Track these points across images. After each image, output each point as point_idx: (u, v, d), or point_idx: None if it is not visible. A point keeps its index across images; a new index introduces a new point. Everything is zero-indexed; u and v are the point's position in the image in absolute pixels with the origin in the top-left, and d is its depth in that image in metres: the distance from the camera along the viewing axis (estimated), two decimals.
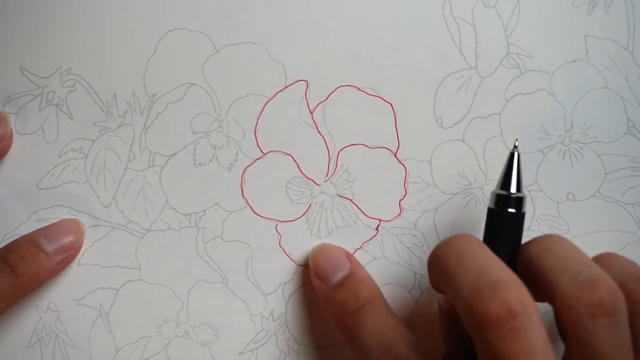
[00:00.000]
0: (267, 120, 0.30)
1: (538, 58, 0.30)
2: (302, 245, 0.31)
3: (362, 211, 0.31)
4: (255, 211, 0.30)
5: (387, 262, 0.31)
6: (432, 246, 0.31)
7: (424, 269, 0.31)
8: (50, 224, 0.30)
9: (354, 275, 0.29)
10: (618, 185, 0.31)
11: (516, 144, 0.27)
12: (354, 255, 0.30)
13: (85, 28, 0.29)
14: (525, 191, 0.26)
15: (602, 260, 0.26)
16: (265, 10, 0.29)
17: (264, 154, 0.30)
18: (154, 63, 0.29)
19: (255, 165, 0.30)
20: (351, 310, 0.27)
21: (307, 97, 0.30)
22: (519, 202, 0.26)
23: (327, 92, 0.30)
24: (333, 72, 0.30)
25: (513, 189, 0.26)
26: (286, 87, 0.30)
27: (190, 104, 0.30)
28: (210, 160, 0.30)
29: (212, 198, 0.30)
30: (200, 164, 0.30)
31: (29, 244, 0.28)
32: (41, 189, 0.30)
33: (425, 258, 0.31)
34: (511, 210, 0.26)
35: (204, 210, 0.30)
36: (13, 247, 0.28)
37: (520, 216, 0.26)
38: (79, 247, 0.30)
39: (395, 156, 0.30)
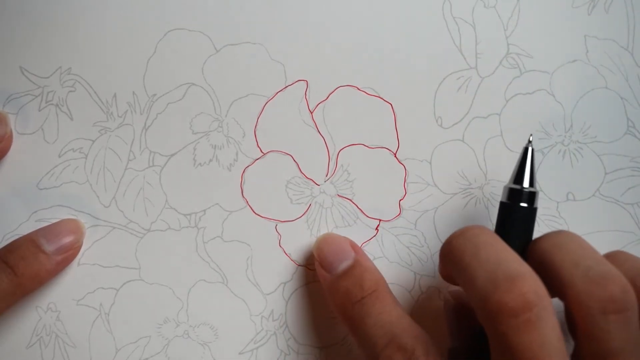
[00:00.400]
0: (267, 120, 0.30)
1: (538, 58, 0.30)
2: (302, 245, 0.31)
3: (362, 211, 0.31)
4: (255, 211, 0.30)
5: (387, 262, 0.31)
6: (432, 246, 0.31)
7: (424, 269, 0.31)
8: (50, 224, 0.30)
9: (359, 265, 0.28)
10: (618, 185, 0.31)
11: (530, 139, 0.27)
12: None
13: (85, 28, 0.29)
14: (537, 186, 0.26)
15: (612, 257, 0.26)
16: (265, 10, 0.29)
17: (264, 154, 0.30)
18: (154, 63, 0.29)
19: (255, 165, 0.30)
20: (356, 300, 0.27)
21: (307, 97, 0.30)
22: (531, 196, 0.26)
23: (327, 92, 0.30)
24: (333, 72, 0.30)
25: (526, 184, 0.26)
26: (286, 87, 0.30)
27: (190, 104, 0.30)
28: (210, 160, 0.30)
29: (212, 198, 0.30)
30: (200, 164, 0.30)
31: (29, 244, 0.28)
32: (41, 189, 0.30)
33: (425, 258, 0.31)
34: (523, 204, 0.26)
35: (204, 210, 0.30)
36: (13, 247, 0.28)
37: (532, 211, 0.26)
38: (79, 247, 0.30)
39: (395, 156, 0.30)
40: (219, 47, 0.29)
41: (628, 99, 0.31)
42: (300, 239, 0.31)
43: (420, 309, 0.31)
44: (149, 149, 0.30)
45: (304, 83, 0.30)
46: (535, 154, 0.31)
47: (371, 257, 0.31)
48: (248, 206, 0.30)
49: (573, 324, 0.24)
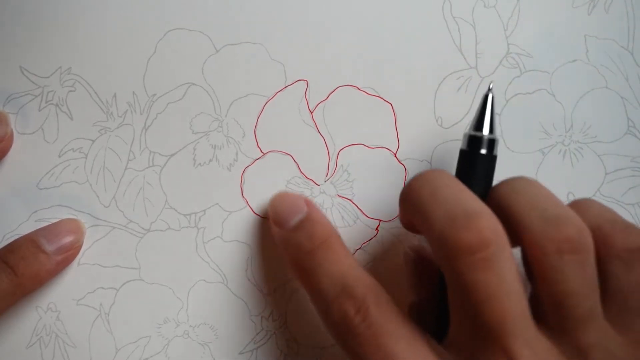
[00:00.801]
0: (267, 120, 0.30)
1: (538, 58, 0.30)
2: None
3: (362, 211, 0.31)
4: (255, 211, 0.30)
5: (387, 263, 0.31)
6: None
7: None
8: (50, 224, 0.30)
9: (310, 217, 0.28)
10: (618, 185, 0.31)
11: (490, 87, 0.27)
12: (354, 255, 0.30)
13: (85, 28, 0.29)
14: (497, 134, 0.26)
15: (578, 204, 0.25)
16: (265, 10, 0.29)
17: (264, 154, 0.30)
18: (154, 63, 0.29)
19: (255, 165, 0.30)
20: (306, 251, 0.27)
21: (307, 97, 0.30)
22: (490, 143, 0.26)
23: (327, 92, 0.30)
24: (333, 72, 0.30)
25: (485, 131, 0.26)
26: (286, 87, 0.30)
27: (190, 104, 0.30)
28: (210, 160, 0.30)
29: (212, 198, 0.30)
30: (200, 164, 0.30)
31: (29, 244, 0.28)
32: (41, 189, 0.30)
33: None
34: (483, 151, 0.26)
35: (204, 210, 0.30)
36: (13, 247, 0.28)
37: (492, 158, 0.26)
38: (79, 247, 0.30)
39: (395, 156, 0.30)
40: (219, 47, 0.29)
41: (628, 98, 0.31)
42: None
43: (398, 281, 0.31)
44: (148, 149, 0.30)
45: (304, 83, 0.30)
46: (536, 154, 0.31)
47: (371, 258, 0.31)
48: (248, 206, 0.30)
49: (530, 266, 0.24)
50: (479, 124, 0.26)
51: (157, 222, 0.30)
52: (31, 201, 0.30)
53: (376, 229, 0.31)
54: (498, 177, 0.30)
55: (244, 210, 0.30)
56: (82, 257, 0.30)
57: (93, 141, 0.30)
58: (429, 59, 0.30)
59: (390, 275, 0.31)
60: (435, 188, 0.24)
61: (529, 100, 0.30)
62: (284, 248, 0.28)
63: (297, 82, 0.30)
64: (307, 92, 0.30)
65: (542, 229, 0.23)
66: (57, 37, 0.29)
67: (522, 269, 0.25)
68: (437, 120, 0.30)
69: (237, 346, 0.31)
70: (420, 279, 0.28)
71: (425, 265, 0.28)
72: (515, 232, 0.24)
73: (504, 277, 0.22)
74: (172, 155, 0.30)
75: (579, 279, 0.23)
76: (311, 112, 0.30)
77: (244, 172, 0.30)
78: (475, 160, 0.26)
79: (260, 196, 0.30)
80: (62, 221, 0.30)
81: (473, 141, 0.26)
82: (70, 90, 0.29)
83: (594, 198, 0.31)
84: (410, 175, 0.30)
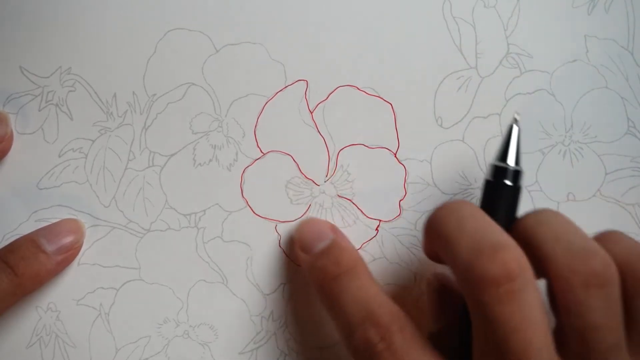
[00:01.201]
0: (267, 120, 0.30)
1: (538, 58, 0.30)
2: None
3: (362, 211, 0.31)
4: (255, 211, 0.30)
5: (387, 263, 0.31)
6: None
7: (424, 270, 0.31)
8: (50, 224, 0.30)
9: (336, 244, 0.28)
10: (618, 185, 0.31)
11: (516, 117, 0.27)
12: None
13: (85, 28, 0.29)
14: (523, 166, 0.26)
15: (605, 237, 0.25)
16: (265, 10, 0.29)
17: (264, 154, 0.30)
18: (154, 63, 0.29)
19: (255, 165, 0.30)
20: (332, 277, 0.27)
21: (307, 97, 0.30)
22: (515, 175, 0.26)
23: (327, 92, 0.30)
24: (333, 72, 0.30)
25: (511, 162, 0.26)
26: (286, 87, 0.30)
27: (190, 104, 0.30)
28: (210, 160, 0.30)
29: (212, 198, 0.30)
30: (200, 164, 0.30)
31: (29, 244, 0.28)
32: (41, 189, 0.30)
33: (425, 258, 0.31)
34: (508, 182, 0.26)
35: (204, 210, 0.30)
36: (13, 247, 0.28)
37: (516, 190, 0.26)
38: (79, 247, 0.30)
39: (395, 156, 0.30)
40: (219, 47, 0.29)
41: (628, 98, 0.31)
42: None
43: (420, 309, 0.31)
44: (148, 149, 0.30)
45: (304, 83, 0.30)
46: (536, 154, 0.31)
47: (371, 258, 0.31)
48: (248, 206, 0.30)
49: (555, 299, 0.24)
50: (504, 154, 0.26)
51: (157, 222, 0.30)
52: (31, 201, 0.30)
53: (376, 229, 0.31)
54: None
55: (244, 210, 0.30)
56: (82, 257, 0.30)
57: (93, 141, 0.30)
58: (429, 59, 0.30)
59: (391, 274, 0.31)
60: (460, 219, 0.24)
61: (529, 100, 0.30)
62: (309, 273, 0.28)
63: (297, 82, 0.30)
64: (307, 92, 0.30)
65: (568, 262, 0.23)
66: (57, 37, 0.29)
67: (546, 300, 0.25)
68: (437, 120, 0.30)
69: (237, 346, 0.31)
70: (442, 307, 0.28)
71: (447, 293, 0.28)
72: (541, 264, 0.24)
73: (528, 309, 0.22)
74: (172, 155, 0.30)
75: (604, 313, 0.23)
76: (311, 112, 0.30)
77: (244, 172, 0.30)
78: (500, 191, 0.26)
79: (260, 196, 0.30)
80: (62, 221, 0.30)
81: (498, 172, 0.26)
82: (70, 90, 0.29)
83: (595, 198, 0.31)
84: (410, 175, 0.30)
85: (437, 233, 0.24)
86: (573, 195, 0.31)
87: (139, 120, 0.30)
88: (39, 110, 0.29)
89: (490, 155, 0.30)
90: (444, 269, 0.29)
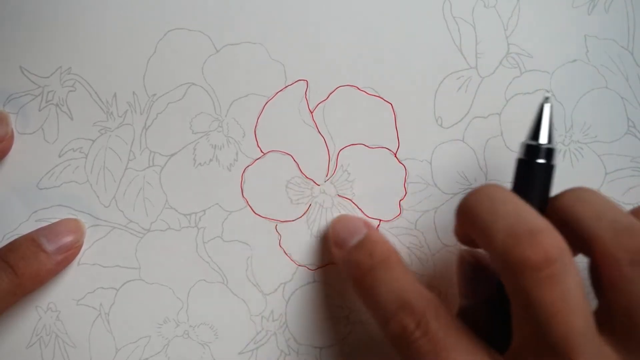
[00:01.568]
0: (267, 120, 0.30)
1: (538, 58, 0.30)
2: (302, 246, 0.31)
3: (362, 211, 0.31)
4: (255, 211, 0.30)
5: None
6: (432, 246, 0.31)
7: (424, 269, 0.31)
8: (50, 223, 0.30)
9: (369, 237, 0.28)
10: (618, 185, 0.31)
11: (547, 95, 0.26)
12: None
13: (85, 28, 0.29)
14: (555, 143, 0.26)
15: (638, 212, 0.25)
16: (265, 10, 0.29)
17: (264, 154, 0.30)
18: (154, 63, 0.29)
19: (255, 165, 0.30)
20: (367, 269, 0.27)
21: (307, 97, 0.30)
22: (549, 152, 0.26)
23: (327, 92, 0.30)
24: (333, 72, 0.30)
25: (543, 140, 0.26)
26: (286, 87, 0.30)
27: (190, 104, 0.30)
28: (210, 160, 0.30)
29: (212, 198, 0.30)
30: (200, 163, 0.30)
31: (29, 243, 0.28)
32: (41, 189, 0.30)
33: (426, 258, 0.31)
34: (540, 161, 0.26)
35: (204, 210, 0.30)
36: (13, 246, 0.28)
37: (549, 168, 0.26)
38: (79, 247, 0.30)
39: (395, 156, 0.30)
40: (219, 47, 0.29)
41: (628, 98, 0.31)
42: (301, 239, 0.31)
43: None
44: (149, 148, 0.30)
45: (304, 83, 0.30)
46: None
47: None
48: (248, 206, 0.30)
49: (599, 278, 0.24)
50: (535, 132, 0.26)
51: (157, 222, 0.30)
52: (31, 201, 0.30)
53: (376, 228, 0.31)
54: (496, 176, 0.31)
55: (244, 210, 0.30)
56: (82, 257, 0.30)
57: (93, 141, 0.30)
58: (429, 59, 0.30)
59: None
60: (494, 202, 0.24)
61: (529, 100, 0.30)
62: (344, 268, 0.28)
63: (297, 82, 0.30)
64: (307, 92, 0.30)
65: (614, 240, 0.23)
66: (57, 37, 0.29)
67: (587, 278, 0.25)
68: (437, 120, 0.30)
69: (237, 346, 0.31)
70: (473, 284, 0.28)
71: (480, 270, 0.28)
72: (582, 243, 0.24)
73: (569, 293, 0.22)
74: (172, 155, 0.30)
75: None
76: (311, 112, 0.30)
77: (244, 172, 0.30)
78: (533, 169, 0.26)
79: (261, 196, 0.30)
80: (62, 221, 0.30)
81: (530, 150, 0.26)
82: (71, 90, 0.29)
83: None
84: (410, 175, 0.30)
85: (470, 218, 0.24)
86: None
87: (139, 120, 0.30)
88: (39, 110, 0.29)
89: (489, 155, 0.30)
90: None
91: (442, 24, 0.30)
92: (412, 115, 0.30)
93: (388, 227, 0.31)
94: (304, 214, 0.30)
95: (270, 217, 0.30)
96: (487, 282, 0.27)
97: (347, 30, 0.30)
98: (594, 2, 0.30)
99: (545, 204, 0.26)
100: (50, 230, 0.29)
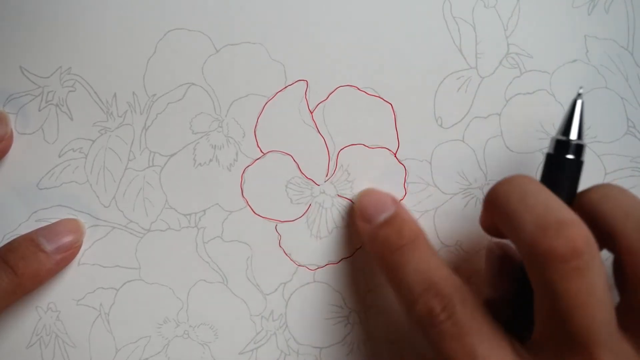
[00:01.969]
0: (267, 120, 0.30)
1: (538, 58, 0.30)
2: (302, 246, 0.31)
3: None
4: (255, 211, 0.30)
5: None
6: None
7: None
8: (50, 223, 0.30)
9: (399, 216, 0.28)
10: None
11: (580, 92, 0.27)
12: (354, 255, 0.30)
13: (85, 28, 0.29)
14: (585, 140, 0.26)
15: None
16: (265, 10, 0.29)
17: (264, 154, 0.30)
18: (154, 63, 0.29)
19: (255, 165, 0.30)
20: (395, 248, 0.27)
21: (307, 97, 0.30)
22: (578, 149, 0.26)
23: (327, 92, 0.30)
24: (333, 72, 0.30)
25: (573, 136, 0.26)
26: (286, 87, 0.30)
27: (190, 104, 0.30)
28: (210, 160, 0.30)
29: (212, 198, 0.30)
30: (200, 164, 0.30)
31: (28, 243, 0.28)
32: (41, 189, 0.30)
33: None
34: (570, 156, 0.26)
35: (204, 210, 0.30)
36: (13, 246, 0.28)
37: (578, 164, 0.26)
38: (79, 247, 0.30)
39: (395, 156, 0.30)
40: (219, 47, 0.29)
41: (628, 99, 0.31)
42: (300, 239, 0.31)
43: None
44: (149, 149, 0.30)
45: (304, 83, 0.30)
46: (536, 154, 0.31)
47: (371, 257, 0.31)
48: (248, 206, 0.30)
49: (622, 274, 0.24)
50: (566, 128, 0.26)
51: (157, 222, 0.30)
52: (31, 201, 0.30)
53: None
54: (496, 176, 0.31)
55: (244, 210, 0.30)
56: (82, 257, 0.30)
57: (93, 141, 0.30)
58: (429, 59, 0.30)
59: None
60: (523, 193, 0.24)
61: (529, 100, 0.30)
62: (370, 243, 0.28)
63: (297, 82, 0.30)
64: (307, 92, 0.30)
65: (639, 238, 0.23)
66: (57, 37, 0.29)
67: (610, 274, 0.25)
68: (437, 120, 0.30)
69: (237, 346, 0.31)
70: (500, 276, 0.28)
71: (508, 261, 0.28)
72: (607, 239, 0.24)
73: (594, 286, 0.22)
74: (172, 155, 0.30)
75: None
76: (311, 112, 0.30)
77: (244, 172, 0.30)
78: (563, 165, 0.26)
79: (261, 196, 0.30)
80: (61, 221, 0.30)
81: (560, 146, 0.26)
82: (70, 90, 0.29)
83: None
84: (410, 175, 0.30)
85: (498, 207, 0.24)
86: None
87: (139, 120, 0.30)
88: (39, 110, 0.29)
89: (489, 155, 0.30)
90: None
91: (442, 24, 0.30)
92: (412, 116, 0.30)
93: None
94: (304, 214, 0.30)
95: (270, 217, 0.30)
96: (513, 274, 0.27)
97: (347, 30, 0.30)
98: (594, 2, 0.30)
99: (572, 199, 0.26)
100: (50, 230, 0.29)
